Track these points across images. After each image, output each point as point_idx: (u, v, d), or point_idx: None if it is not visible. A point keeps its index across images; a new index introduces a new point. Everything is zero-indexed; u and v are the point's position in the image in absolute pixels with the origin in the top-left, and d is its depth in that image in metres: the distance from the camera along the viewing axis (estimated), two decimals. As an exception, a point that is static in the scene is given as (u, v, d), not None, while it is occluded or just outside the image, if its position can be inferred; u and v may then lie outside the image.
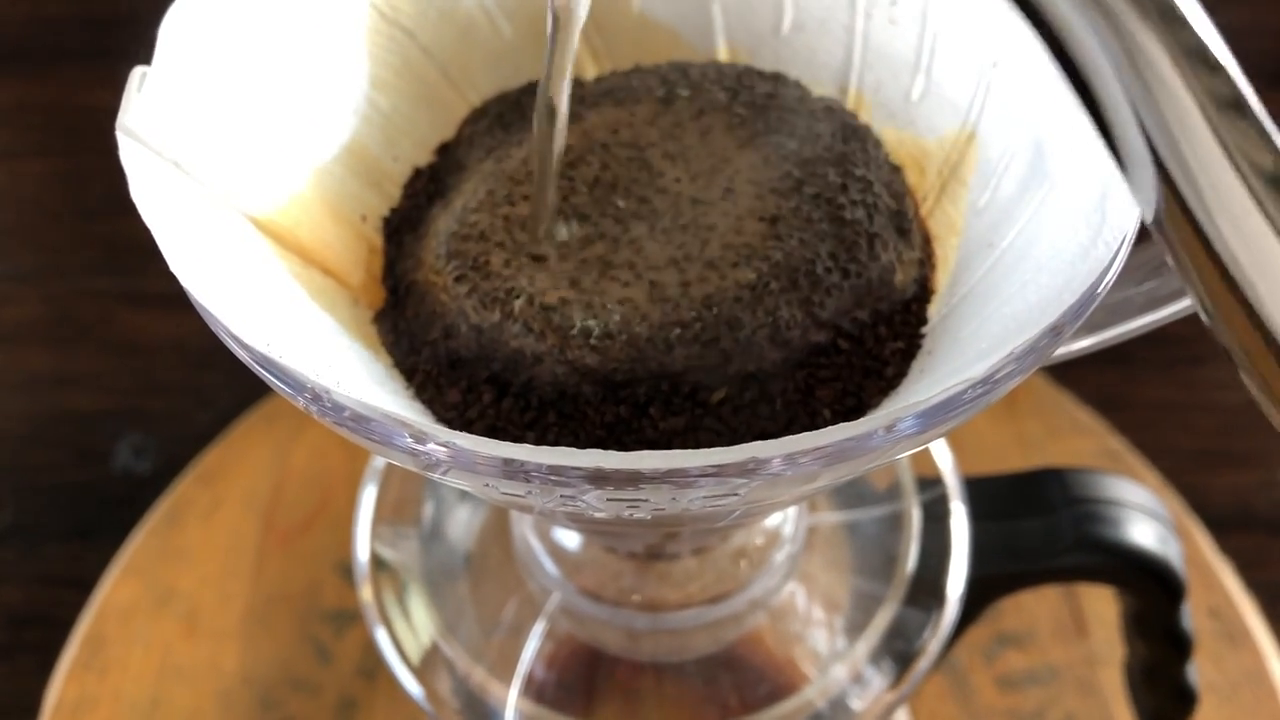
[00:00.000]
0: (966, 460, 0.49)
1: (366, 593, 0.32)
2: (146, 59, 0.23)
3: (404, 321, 0.24)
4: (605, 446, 0.22)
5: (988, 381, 0.18)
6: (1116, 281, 0.25)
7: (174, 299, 0.19)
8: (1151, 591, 0.31)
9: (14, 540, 0.50)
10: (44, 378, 0.55)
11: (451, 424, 0.22)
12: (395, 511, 0.33)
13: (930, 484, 0.32)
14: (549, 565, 0.30)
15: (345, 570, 0.48)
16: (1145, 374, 0.53)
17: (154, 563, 0.48)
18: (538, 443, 0.22)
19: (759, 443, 0.17)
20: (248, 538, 0.49)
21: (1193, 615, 0.44)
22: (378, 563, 0.32)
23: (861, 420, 0.18)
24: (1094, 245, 0.19)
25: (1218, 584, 0.46)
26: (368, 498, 0.33)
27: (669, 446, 0.22)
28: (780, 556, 0.31)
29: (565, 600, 0.30)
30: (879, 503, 0.32)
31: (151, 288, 0.57)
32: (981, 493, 0.32)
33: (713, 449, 0.16)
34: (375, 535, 0.32)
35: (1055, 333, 0.18)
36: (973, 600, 0.31)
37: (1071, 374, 0.51)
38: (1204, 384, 0.53)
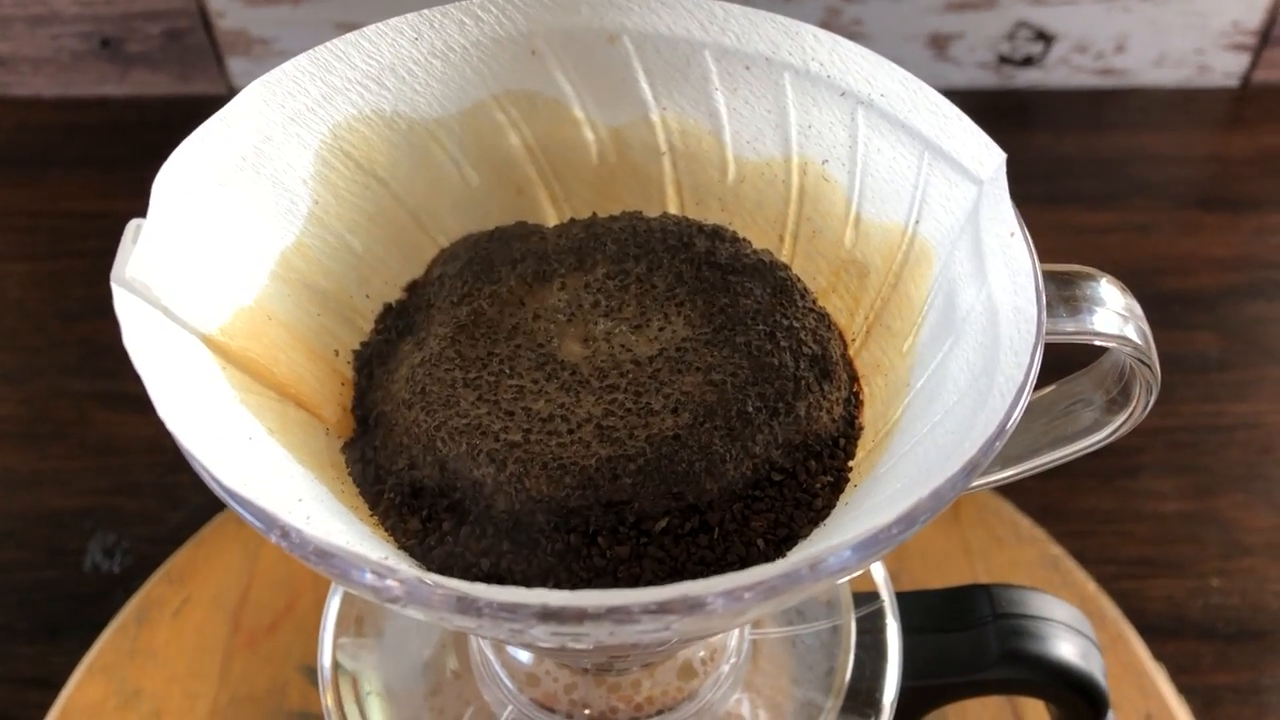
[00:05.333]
0: (913, 568, 0.51)
1: (329, 699, 0.34)
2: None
3: (371, 451, 0.26)
4: (555, 573, 0.24)
5: (903, 522, 0.20)
6: (1026, 423, 0.27)
7: (148, 401, 0.21)
8: (1076, 704, 0.33)
9: (-18, 639, 0.51)
10: (19, 477, 0.56)
11: (412, 551, 0.24)
12: (359, 622, 0.34)
13: (867, 598, 0.34)
14: (504, 678, 0.32)
15: (310, 672, 0.49)
16: (1085, 484, 0.55)
17: (121, 662, 0.49)
18: (492, 569, 0.24)
19: (693, 582, 0.18)
20: (215, 638, 0.50)
21: (1129, 720, 0.46)
22: (340, 670, 0.34)
23: (787, 560, 0.20)
24: (989, 397, 0.21)
25: (1153, 689, 0.48)
26: (333, 608, 0.34)
27: (615, 574, 0.23)
28: (726, 668, 0.32)
29: (519, 712, 0.32)
30: (819, 617, 0.34)
31: (127, 389, 0.58)
32: (914, 606, 0.34)
33: (650, 588, 0.18)
34: (338, 645, 0.33)
35: (956, 482, 0.20)
36: (907, 709, 0.33)
37: (1014, 485, 0.53)
38: (1140, 494, 0.55)
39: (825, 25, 0.70)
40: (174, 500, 0.55)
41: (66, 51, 0.72)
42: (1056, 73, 0.74)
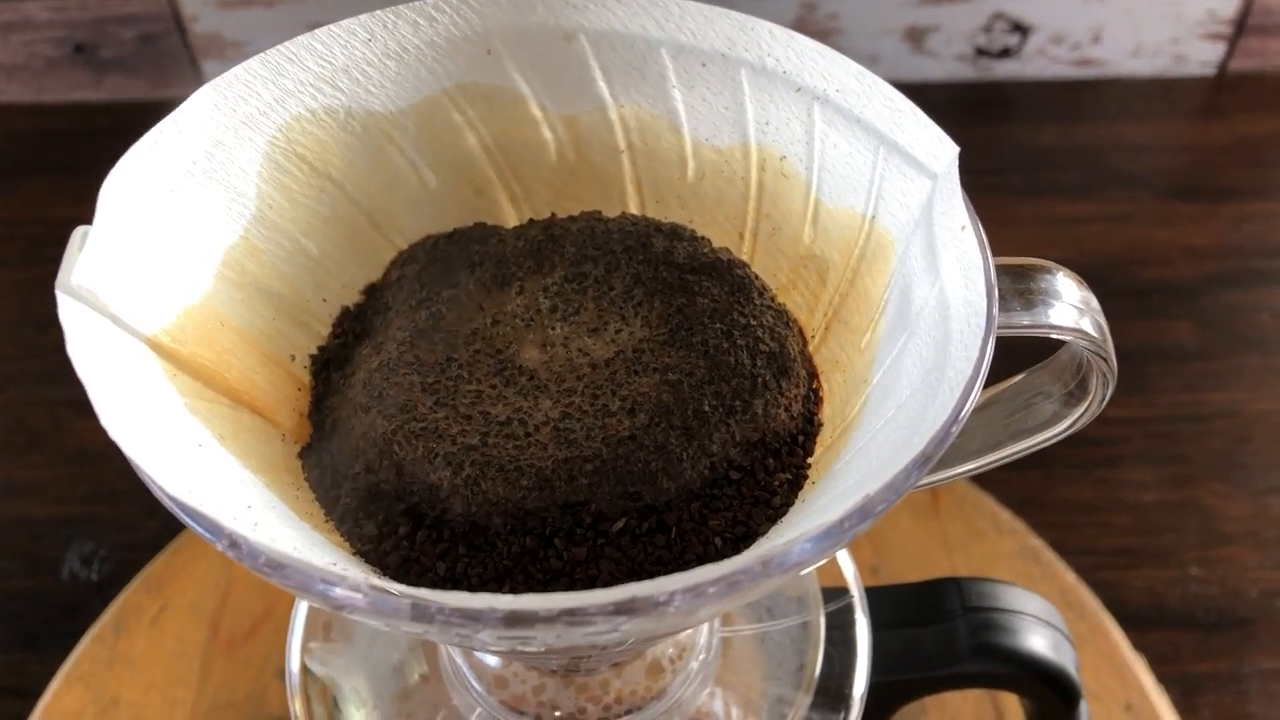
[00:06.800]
0: (892, 561, 0.51)
1: (297, 705, 0.34)
2: (106, 173, 0.24)
3: (328, 456, 0.26)
4: (512, 576, 0.23)
5: (855, 516, 0.20)
6: (987, 416, 0.27)
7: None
8: (1048, 697, 0.33)
9: (-41, 650, 0.51)
10: (-4, 485, 0.56)
11: (368, 557, 0.24)
12: (327, 627, 0.34)
13: (836, 594, 0.34)
14: (473, 680, 0.31)
15: (288, 676, 0.49)
16: (1063, 474, 0.55)
17: (99, 670, 0.49)
18: (448, 573, 0.24)
19: (644, 582, 0.18)
20: (194, 644, 0.50)
21: (1109, 711, 0.46)
22: (309, 675, 0.34)
23: (739, 557, 0.19)
24: (939, 391, 0.21)
25: (1133, 679, 0.48)
26: (301, 613, 0.34)
27: (572, 575, 0.23)
28: (695, 665, 0.32)
29: (489, 714, 0.31)
30: (789, 613, 0.34)
31: (104, 396, 0.58)
32: (884, 601, 0.34)
33: (601, 590, 0.18)
34: (307, 650, 0.33)
35: (909, 474, 0.20)
36: (879, 704, 0.33)
37: (993, 476, 0.53)
38: (1119, 484, 0.55)
39: (801, 20, 0.70)
40: (151, 507, 0.55)
41: (40, 58, 0.72)
42: (1033, 64, 0.74)
